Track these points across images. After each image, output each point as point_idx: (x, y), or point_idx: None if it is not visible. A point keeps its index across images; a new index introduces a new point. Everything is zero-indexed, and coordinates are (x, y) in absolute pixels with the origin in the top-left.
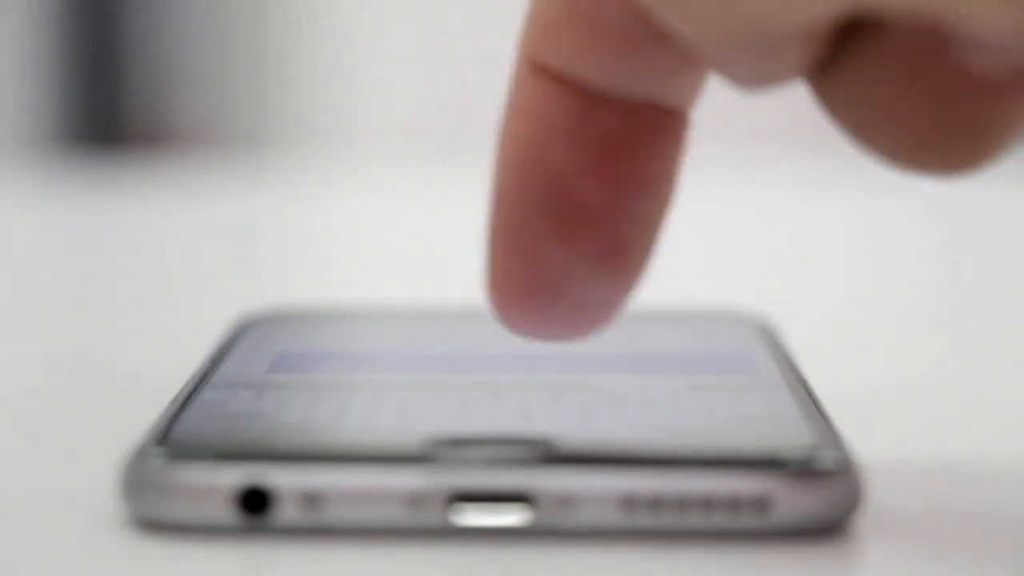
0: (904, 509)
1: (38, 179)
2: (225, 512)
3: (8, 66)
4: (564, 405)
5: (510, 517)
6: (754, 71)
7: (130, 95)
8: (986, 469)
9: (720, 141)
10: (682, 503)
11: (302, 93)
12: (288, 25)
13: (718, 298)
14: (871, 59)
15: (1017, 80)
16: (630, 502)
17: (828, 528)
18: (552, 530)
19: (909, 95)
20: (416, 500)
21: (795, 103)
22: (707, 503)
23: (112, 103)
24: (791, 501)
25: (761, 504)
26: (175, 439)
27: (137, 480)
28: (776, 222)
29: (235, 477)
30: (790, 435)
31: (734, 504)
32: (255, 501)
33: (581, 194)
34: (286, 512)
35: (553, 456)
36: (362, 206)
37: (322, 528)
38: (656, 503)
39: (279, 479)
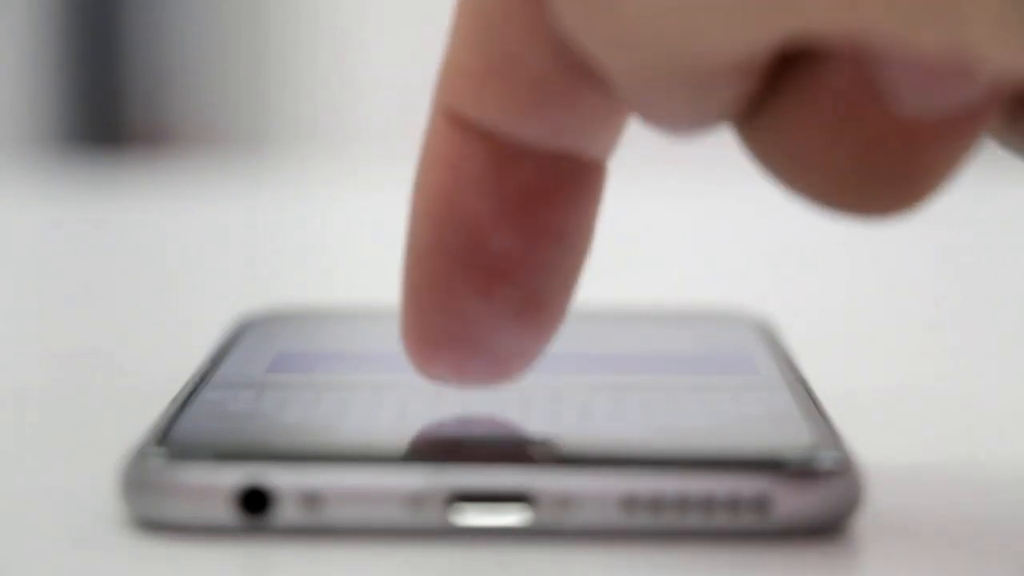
0: (904, 509)
1: (38, 179)
2: (225, 512)
3: (8, 66)
4: (564, 405)
5: (510, 517)
6: (682, 111)
7: (130, 95)
8: (986, 469)
9: (720, 141)
10: (682, 503)
11: (302, 93)
12: (288, 25)
13: (718, 298)
14: (799, 104)
15: (945, 124)
16: (630, 502)
17: (828, 528)
18: (552, 530)
19: (837, 142)
20: (416, 500)
21: None
22: (707, 503)
23: (112, 103)
24: (791, 501)
25: (761, 504)
26: (175, 439)
27: (137, 480)
28: (776, 222)
29: (235, 477)
30: (790, 435)
31: (734, 504)
32: (255, 501)
33: (498, 248)
34: (286, 512)
35: (553, 456)
36: (362, 206)
37: (322, 528)
38: (656, 503)
39: (279, 479)
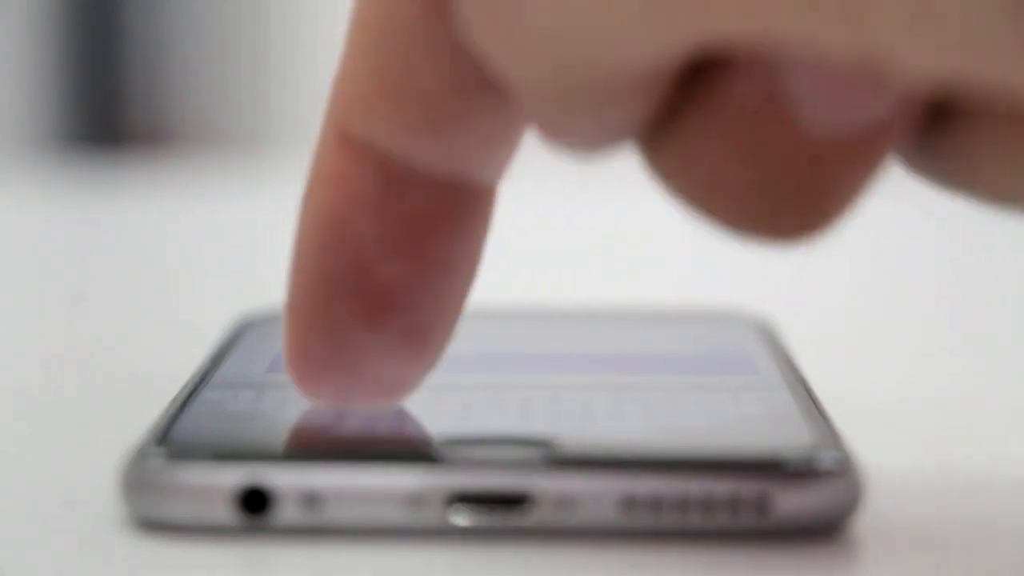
0: (904, 509)
1: (38, 179)
2: (225, 512)
3: (8, 66)
4: (564, 405)
5: (510, 517)
6: (585, 126)
7: (130, 95)
8: (986, 470)
9: None
10: (682, 503)
11: (302, 93)
12: (288, 25)
13: (718, 298)
14: (704, 121)
15: (852, 144)
16: (630, 502)
17: (828, 528)
18: (552, 530)
19: (742, 163)
20: (416, 500)
21: None
22: (707, 503)
23: (112, 103)
24: (791, 501)
25: (761, 504)
26: (175, 439)
27: (137, 480)
28: None
29: (235, 477)
30: (790, 435)
31: (734, 504)
32: (255, 501)
33: (383, 276)
34: (286, 512)
35: (553, 457)
36: None
37: (322, 528)
38: (656, 503)
39: (279, 479)
